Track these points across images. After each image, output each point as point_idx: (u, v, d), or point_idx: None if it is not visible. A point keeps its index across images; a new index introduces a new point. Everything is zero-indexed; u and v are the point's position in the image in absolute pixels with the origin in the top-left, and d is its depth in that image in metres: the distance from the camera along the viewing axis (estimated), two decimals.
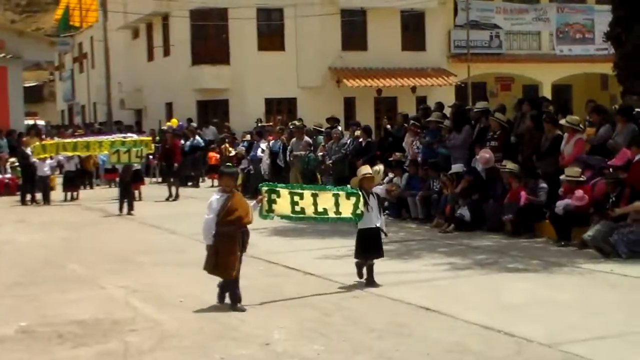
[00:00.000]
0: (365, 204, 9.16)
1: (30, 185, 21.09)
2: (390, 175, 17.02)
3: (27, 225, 16.67)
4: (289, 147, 19.69)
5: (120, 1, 36.11)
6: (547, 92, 35.53)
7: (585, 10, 38.26)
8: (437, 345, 6.92)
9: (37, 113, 51.96)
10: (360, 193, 9.10)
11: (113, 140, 21.90)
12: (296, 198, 8.74)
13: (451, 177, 15.03)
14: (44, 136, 26.54)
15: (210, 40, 33.44)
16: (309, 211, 8.82)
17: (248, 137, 25.05)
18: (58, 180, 23.50)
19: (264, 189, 8.73)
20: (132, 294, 9.41)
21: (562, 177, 12.77)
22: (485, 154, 14.68)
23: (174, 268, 11.17)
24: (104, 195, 23.37)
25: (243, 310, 8.21)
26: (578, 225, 12.19)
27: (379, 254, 9.45)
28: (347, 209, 8.95)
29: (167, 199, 21.23)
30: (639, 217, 11.19)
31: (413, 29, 35.51)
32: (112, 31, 36.42)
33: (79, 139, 22.97)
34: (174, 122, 29.28)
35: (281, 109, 33.73)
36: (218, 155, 25.93)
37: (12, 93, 25.50)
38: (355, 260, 9.56)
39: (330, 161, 18.67)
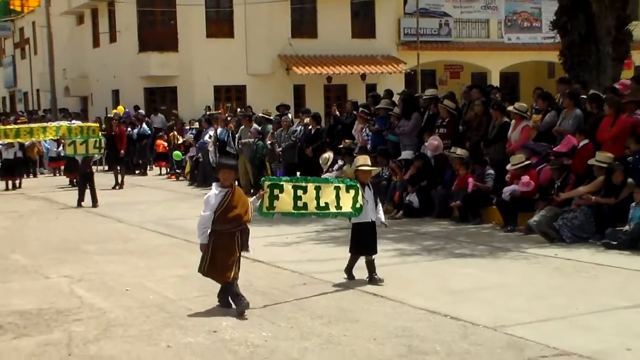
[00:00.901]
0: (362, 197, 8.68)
1: None
2: (340, 162, 17.03)
3: None
4: (237, 135, 19.56)
5: None
6: (495, 80, 35.93)
7: None
8: (384, 330, 6.94)
9: None
10: (358, 185, 8.62)
11: (58, 126, 21.58)
12: (300, 192, 8.11)
13: (400, 164, 15.08)
14: None
15: (157, 27, 33.05)
16: (312, 206, 8.20)
17: (197, 124, 24.86)
18: None
19: (267, 183, 7.99)
20: (77, 283, 9.26)
21: (508, 166, 12.91)
22: (434, 141, 14.77)
23: (120, 257, 11.03)
24: (49, 184, 23.03)
25: (247, 306, 7.55)
26: (524, 211, 12.35)
27: (373, 249, 8.94)
28: (347, 202, 8.46)
29: (114, 187, 20.96)
30: (582, 202, 11.37)
31: (363, 16, 35.55)
32: (55, 16, 35.75)
33: (22, 125, 22.52)
34: (120, 110, 28.94)
35: (230, 96, 33.52)
36: (166, 143, 25.67)
37: None
38: (350, 255, 9.05)
39: (280, 149, 18.60)
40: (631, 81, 13.69)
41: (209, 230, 7.56)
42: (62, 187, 21.78)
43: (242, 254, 7.82)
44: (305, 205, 8.17)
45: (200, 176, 21.83)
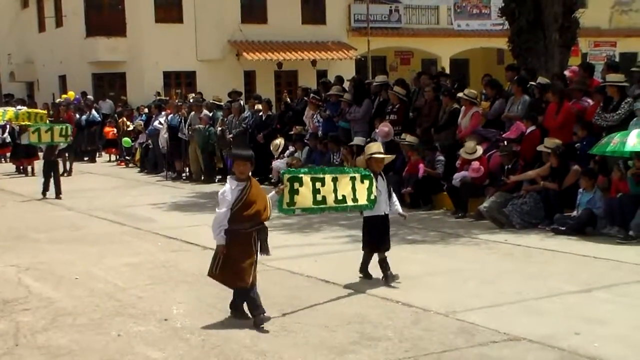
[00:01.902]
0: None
1: None
2: (291, 148, 17.03)
3: None
4: (188, 121, 19.39)
5: None
6: (445, 66, 36.13)
7: None
8: (337, 317, 6.95)
9: None
10: (372, 175, 7.92)
11: (4, 111, 21.23)
12: (318, 185, 7.37)
13: (352, 150, 15.10)
14: None
15: (104, 11, 32.56)
16: (330, 200, 7.46)
17: (146, 110, 24.59)
18: None
19: (286, 176, 7.21)
20: (24, 272, 9.11)
21: (460, 151, 13.02)
22: (384, 128, 14.81)
23: (70, 245, 10.88)
24: None
25: (267, 319, 6.76)
26: (474, 197, 12.48)
27: (386, 245, 8.33)
28: (362, 194, 7.75)
29: (62, 175, 20.58)
30: (531, 188, 11.52)
31: (313, 2, 35.43)
32: None
33: None
34: (70, 95, 28.45)
35: (180, 82, 33.22)
36: (115, 130, 25.35)
37: None
38: (363, 251, 8.43)
39: (231, 135, 18.49)
40: (578, 68, 13.91)
41: (225, 228, 6.77)
42: (9, 175, 21.40)
43: (259, 256, 6.98)
44: (324, 199, 7.45)
45: (151, 163, 21.63)
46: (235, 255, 6.79)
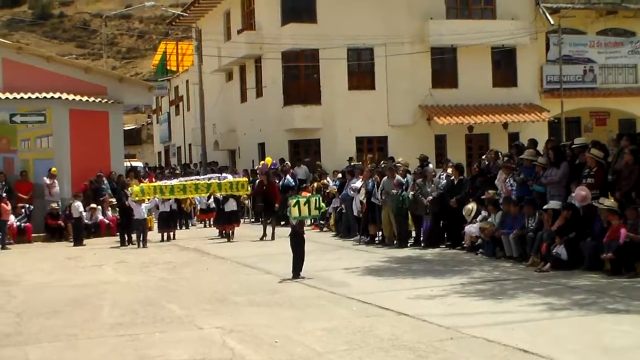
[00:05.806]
0: None
1: (127, 227, 21.60)
2: (484, 213, 16.86)
3: (127, 265, 17.12)
4: (380, 186, 19.71)
5: (215, 45, 37.12)
6: None
7: None
8: None
9: (136, 155, 53.86)
10: None
11: (209, 183, 22.66)
12: None
13: (549, 213, 14.74)
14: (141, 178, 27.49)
15: (301, 81, 33.94)
16: None
17: (340, 175, 25.23)
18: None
19: None
20: (228, 335, 9.51)
21: None
22: (581, 192, 14.39)
23: (269, 308, 11.27)
24: (200, 235, 23.90)
25: None
26: None
27: None
28: None
29: (261, 239, 21.46)
30: None
31: (504, 65, 35.27)
32: (206, 74, 37.39)
33: (176, 182, 23.67)
34: (268, 161, 29.72)
35: (372, 147, 33.91)
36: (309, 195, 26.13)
37: (113, 137, 26.22)
38: None
39: (427, 200, 18.55)
40: None
41: None
42: (212, 239, 22.54)
43: None
44: None
45: (344, 227, 22.08)
46: None
